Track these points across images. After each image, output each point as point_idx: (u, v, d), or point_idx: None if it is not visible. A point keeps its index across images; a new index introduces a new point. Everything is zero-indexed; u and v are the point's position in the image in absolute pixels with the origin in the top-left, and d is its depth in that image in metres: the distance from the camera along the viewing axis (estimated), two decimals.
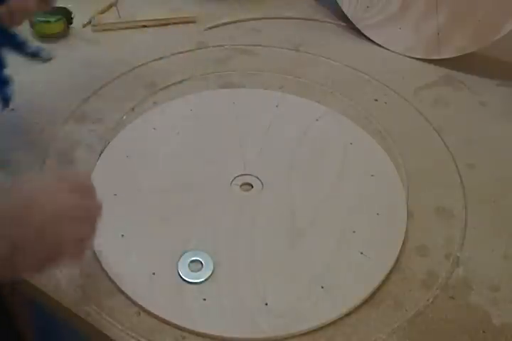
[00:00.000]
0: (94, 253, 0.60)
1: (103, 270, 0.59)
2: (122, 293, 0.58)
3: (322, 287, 0.59)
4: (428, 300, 0.60)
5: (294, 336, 0.56)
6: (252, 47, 0.90)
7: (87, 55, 0.86)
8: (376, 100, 0.82)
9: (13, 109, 0.74)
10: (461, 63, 0.87)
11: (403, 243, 0.64)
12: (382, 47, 0.91)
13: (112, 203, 0.65)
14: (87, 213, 0.51)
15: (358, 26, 0.93)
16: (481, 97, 0.84)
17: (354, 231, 0.64)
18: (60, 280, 0.58)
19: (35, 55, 0.68)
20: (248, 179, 0.69)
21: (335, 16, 0.97)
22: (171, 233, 0.63)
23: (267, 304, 0.57)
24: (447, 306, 0.59)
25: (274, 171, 0.70)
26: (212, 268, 0.59)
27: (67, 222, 0.48)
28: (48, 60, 0.70)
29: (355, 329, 0.57)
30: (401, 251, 0.63)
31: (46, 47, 0.85)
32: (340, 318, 0.57)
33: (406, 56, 0.90)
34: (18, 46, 0.66)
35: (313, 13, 0.98)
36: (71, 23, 0.88)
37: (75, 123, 0.76)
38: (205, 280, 0.59)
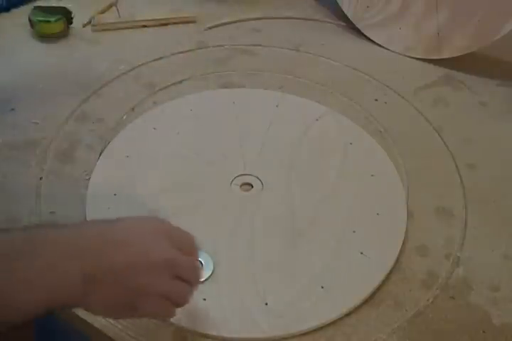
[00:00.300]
0: None
1: None
2: None
3: (322, 287, 0.59)
4: (428, 300, 0.60)
5: (294, 336, 0.56)
6: (252, 47, 0.90)
7: (87, 55, 0.86)
8: (376, 100, 0.82)
9: (13, 109, 0.74)
10: (461, 63, 0.87)
11: (403, 243, 0.64)
12: (382, 47, 0.91)
13: (112, 203, 0.65)
14: (181, 271, 0.46)
15: (358, 26, 0.93)
16: (481, 97, 0.84)
17: (354, 231, 0.64)
18: None
19: None
20: (248, 179, 0.69)
21: (335, 16, 0.97)
22: None
23: (267, 304, 0.57)
24: (447, 306, 0.59)
25: (274, 171, 0.70)
26: (212, 268, 0.59)
27: (154, 272, 0.45)
28: None
29: (355, 329, 0.57)
30: (401, 251, 0.63)
31: (46, 47, 0.86)
32: (340, 318, 0.57)
33: (406, 56, 0.90)
34: None
35: (313, 13, 0.98)
36: (71, 23, 0.88)
37: (75, 123, 0.76)
38: (205, 280, 0.59)
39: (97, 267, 0.43)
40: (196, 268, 0.49)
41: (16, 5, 0.72)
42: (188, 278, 0.47)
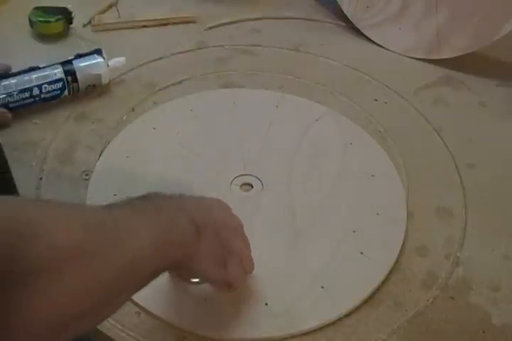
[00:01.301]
0: None
1: None
2: None
3: (322, 287, 0.59)
4: (428, 300, 0.60)
5: (294, 336, 0.56)
6: (252, 47, 0.90)
7: None
8: (376, 100, 0.82)
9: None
10: (461, 63, 0.87)
11: (403, 243, 0.64)
12: (382, 47, 0.91)
13: None
14: (246, 242, 0.54)
15: (358, 26, 0.93)
16: (481, 97, 0.84)
17: (354, 231, 0.64)
18: None
19: None
20: (248, 179, 0.69)
21: (335, 16, 0.97)
22: None
23: (267, 304, 0.57)
24: (447, 306, 0.59)
25: (274, 171, 0.70)
26: None
27: (234, 234, 0.52)
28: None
29: (355, 330, 0.57)
30: (401, 251, 0.63)
31: (46, 47, 0.86)
32: (340, 318, 0.57)
33: (406, 56, 0.90)
34: None
35: (313, 13, 0.98)
36: (71, 23, 0.88)
37: (75, 123, 0.76)
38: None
39: (200, 220, 0.48)
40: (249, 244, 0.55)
41: (48, 101, 0.75)
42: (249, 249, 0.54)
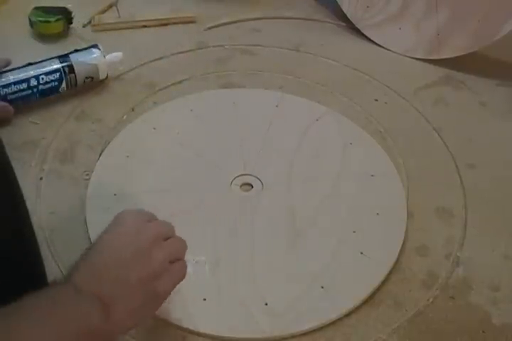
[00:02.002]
0: None
1: None
2: None
3: (322, 287, 0.59)
4: (428, 300, 0.60)
5: (294, 336, 0.56)
6: (252, 47, 0.90)
7: None
8: (376, 100, 0.82)
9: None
10: (461, 63, 0.87)
11: (403, 243, 0.64)
12: (382, 47, 0.91)
13: (112, 203, 0.65)
14: (165, 232, 0.50)
15: (358, 26, 0.93)
16: (481, 97, 0.84)
17: (354, 231, 0.64)
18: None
19: None
20: (248, 179, 0.69)
21: (335, 16, 0.97)
22: None
23: (267, 304, 0.57)
24: (447, 306, 0.59)
25: (274, 171, 0.70)
26: None
27: (154, 248, 0.47)
28: None
29: (355, 330, 0.57)
30: (401, 251, 0.63)
31: (46, 47, 0.86)
32: (340, 318, 0.57)
33: (406, 56, 0.90)
34: None
35: (313, 13, 0.98)
36: (71, 23, 0.88)
37: (75, 123, 0.76)
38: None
39: (106, 288, 0.44)
40: (168, 223, 0.52)
41: (47, 95, 0.76)
42: (171, 233, 0.51)
